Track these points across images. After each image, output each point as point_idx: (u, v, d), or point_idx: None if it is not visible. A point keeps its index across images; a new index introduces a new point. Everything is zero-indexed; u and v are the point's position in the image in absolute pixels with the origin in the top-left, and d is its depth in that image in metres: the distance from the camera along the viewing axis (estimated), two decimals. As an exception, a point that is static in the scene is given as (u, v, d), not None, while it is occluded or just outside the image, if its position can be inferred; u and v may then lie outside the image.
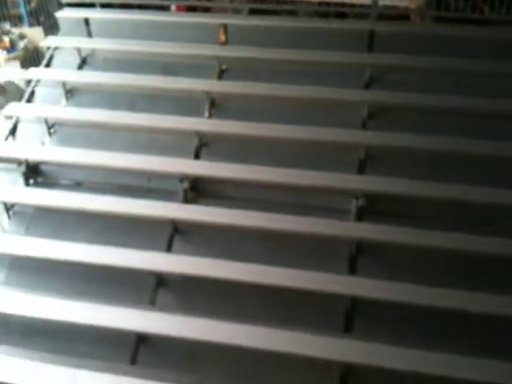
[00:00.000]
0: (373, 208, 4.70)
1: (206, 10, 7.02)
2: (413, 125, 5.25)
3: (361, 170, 5.06)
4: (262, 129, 5.25)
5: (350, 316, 4.19)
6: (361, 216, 4.68)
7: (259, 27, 6.14)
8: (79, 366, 3.64)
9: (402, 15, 6.68)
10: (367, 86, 5.67)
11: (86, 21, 6.27)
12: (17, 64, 7.69)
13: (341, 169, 4.95)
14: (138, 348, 4.03)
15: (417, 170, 4.92)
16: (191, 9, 7.58)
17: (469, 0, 6.62)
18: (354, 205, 4.71)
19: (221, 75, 5.91)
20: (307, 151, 5.23)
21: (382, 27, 5.95)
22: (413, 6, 6.61)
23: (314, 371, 3.89)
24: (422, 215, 4.69)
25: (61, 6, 6.51)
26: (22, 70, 7.10)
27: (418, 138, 5.03)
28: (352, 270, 4.41)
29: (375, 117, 5.39)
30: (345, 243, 4.52)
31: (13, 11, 8.10)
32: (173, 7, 8.01)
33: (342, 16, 6.64)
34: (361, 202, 4.71)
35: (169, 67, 5.99)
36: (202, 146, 5.32)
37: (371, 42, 5.87)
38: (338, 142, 5.16)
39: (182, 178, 4.96)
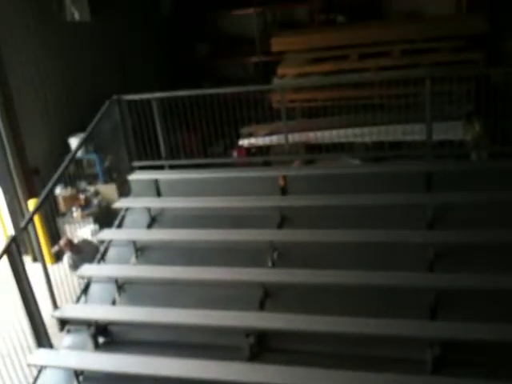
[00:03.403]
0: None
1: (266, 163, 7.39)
2: (482, 264, 5.10)
3: (433, 315, 4.85)
4: (325, 276, 5.22)
5: None
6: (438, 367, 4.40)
7: (314, 176, 6.36)
8: None
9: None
10: (430, 227, 5.61)
11: (156, 181, 6.70)
12: (91, 220, 8.22)
13: (413, 315, 4.76)
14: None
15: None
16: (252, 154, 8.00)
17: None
18: (429, 354, 4.45)
19: (282, 224, 6.06)
20: (375, 296, 5.10)
21: (438, 167, 6.01)
22: (468, 137, 6.65)
23: None
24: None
25: (132, 168, 7.03)
26: (96, 227, 7.55)
27: (490, 278, 4.84)
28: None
29: (442, 258, 5.27)
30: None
31: (89, 171, 8.87)
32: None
33: (398, 157, 6.74)
34: (437, 350, 4.45)
35: (233, 219, 6.21)
36: (267, 296, 5.31)
37: (429, 182, 5.92)
38: (408, 286, 5.02)
39: (247, 332, 4.91)
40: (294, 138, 7.04)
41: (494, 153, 6.44)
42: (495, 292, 4.82)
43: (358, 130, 6.92)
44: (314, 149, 7.02)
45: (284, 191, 6.42)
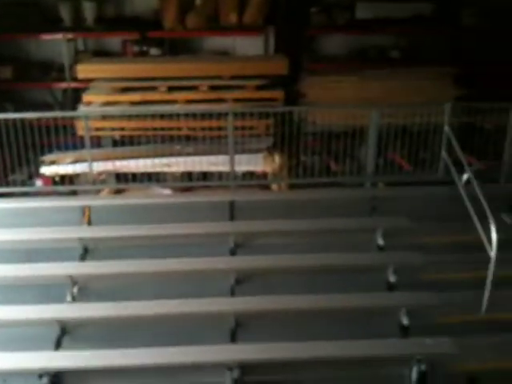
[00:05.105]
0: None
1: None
2: (281, 286, 5.41)
3: (233, 338, 4.98)
4: (129, 308, 5.12)
5: None
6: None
7: (122, 206, 6.26)
8: None
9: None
10: (233, 253, 5.81)
11: None
12: None
13: (215, 340, 4.88)
14: None
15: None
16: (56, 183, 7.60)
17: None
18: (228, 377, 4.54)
19: (84, 256, 5.80)
20: (179, 324, 5.10)
21: (240, 197, 6.29)
22: (269, 169, 7.08)
23: None
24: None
25: None
26: None
27: (285, 298, 5.15)
28: None
29: (243, 282, 5.47)
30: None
31: None
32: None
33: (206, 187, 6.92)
34: (235, 373, 4.56)
35: (29, 253, 5.80)
36: (64, 333, 5.01)
37: (232, 211, 6.15)
38: (210, 312, 5.11)
39: (40, 373, 4.57)
40: (100, 166, 6.84)
41: (293, 184, 6.91)
42: (291, 313, 5.12)
43: (166, 160, 6.97)
44: (123, 178, 6.90)
45: (89, 222, 6.19)
